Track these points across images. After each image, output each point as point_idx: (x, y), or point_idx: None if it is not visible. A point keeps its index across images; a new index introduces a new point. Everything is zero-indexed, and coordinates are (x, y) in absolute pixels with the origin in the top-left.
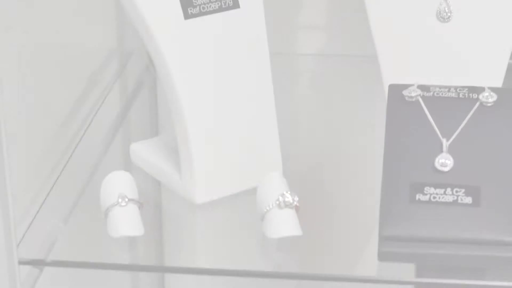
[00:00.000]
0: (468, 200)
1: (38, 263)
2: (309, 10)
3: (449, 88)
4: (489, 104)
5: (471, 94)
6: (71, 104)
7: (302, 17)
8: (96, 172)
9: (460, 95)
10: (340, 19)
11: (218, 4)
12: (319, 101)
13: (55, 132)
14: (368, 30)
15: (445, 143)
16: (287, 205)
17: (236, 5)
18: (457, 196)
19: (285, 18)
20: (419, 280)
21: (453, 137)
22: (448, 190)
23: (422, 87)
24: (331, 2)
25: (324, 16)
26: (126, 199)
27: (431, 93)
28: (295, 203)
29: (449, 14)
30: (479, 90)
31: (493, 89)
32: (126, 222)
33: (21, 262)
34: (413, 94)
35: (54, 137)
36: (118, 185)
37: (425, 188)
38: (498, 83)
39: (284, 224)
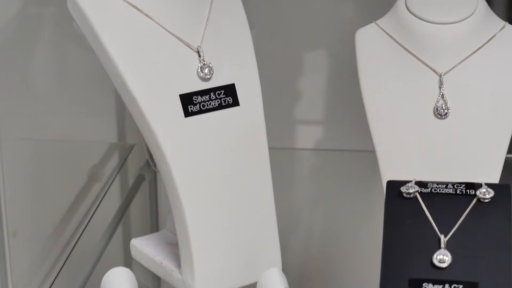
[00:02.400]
0: None
1: None
2: (307, 105)
3: (446, 184)
4: (486, 200)
5: (468, 190)
6: (72, 199)
7: (300, 112)
8: (96, 268)
9: (458, 191)
10: (338, 114)
11: (218, 101)
12: (318, 195)
13: (56, 227)
14: (366, 125)
15: (443, 239)
16: None
17: (236, 103)
18: None
19: (284, 113)
20: None
21: (451, 233)
22: (447, 286)
23: (420, 184)
24: (329, 97)
25: (323, 111)
26: None
27: (429, 189)
28: None
29: (446, 111)
30: (476, 186)
31: (490, 185)
32: None
33: None
34: (411, 191)
35: (54, 233)
36: (118, 281)
37: (424, 284)
38: (495, 179)
39: None
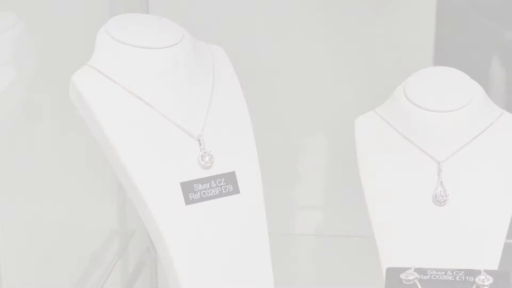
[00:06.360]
0: None
1: None
2: (307, 191)
3: (445, 271)
4: (485, 287)
5: (467, 277)
6: (73, 285)
7: (300, 197)
8: None
9: (457, 278)
10: (338, 199)
11: (218, 189)
12: (317, 281)
13: None
14: (365, 210)
15: None
16: None
17: (236, 191)
18: None
19: (283, 198)
20: None
21: None
22: None
23: (419, 270)
24: (329, 182)
25: (322, 197)
26: None
27: (428, 276)
28: None
29: (445, 198)
30: (475, 273)
31: (489, 272)
32: None
33: None
34: (410, 278)
35: None
36: None
37: None
38: (495, 264)
39: None
